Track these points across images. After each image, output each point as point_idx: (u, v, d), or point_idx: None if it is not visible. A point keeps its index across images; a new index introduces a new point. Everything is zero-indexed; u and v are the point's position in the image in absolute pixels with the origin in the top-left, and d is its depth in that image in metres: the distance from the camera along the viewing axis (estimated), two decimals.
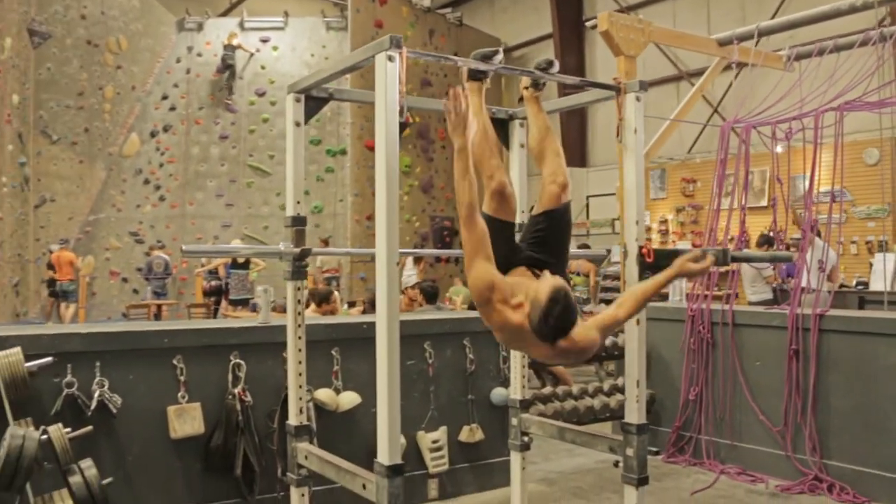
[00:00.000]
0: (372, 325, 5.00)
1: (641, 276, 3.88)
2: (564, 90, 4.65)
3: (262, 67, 17.34)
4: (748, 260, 5.18)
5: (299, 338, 4.03)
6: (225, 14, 18.96)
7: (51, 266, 14.82)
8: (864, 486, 5.32)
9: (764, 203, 12.08)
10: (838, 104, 5.79)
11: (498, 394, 5.54)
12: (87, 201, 16.32)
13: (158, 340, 4.51)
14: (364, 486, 3.31)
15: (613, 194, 16.75)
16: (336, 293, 9.47)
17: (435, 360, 5.33)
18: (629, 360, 3.90)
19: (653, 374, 6.63)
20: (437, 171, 18.22)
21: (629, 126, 3.90)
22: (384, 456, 3.13)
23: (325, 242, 15.19)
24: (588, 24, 7.32)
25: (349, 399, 4.88)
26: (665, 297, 8.94)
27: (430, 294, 8.22)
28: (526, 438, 4.65)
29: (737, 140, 6.46)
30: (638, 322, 3.85)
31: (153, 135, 16.73)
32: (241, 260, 13.36)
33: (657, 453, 6.49)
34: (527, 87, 3.89)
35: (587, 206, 17.65)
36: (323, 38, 17.61)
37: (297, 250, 3.96)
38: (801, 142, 6.38)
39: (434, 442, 5.27)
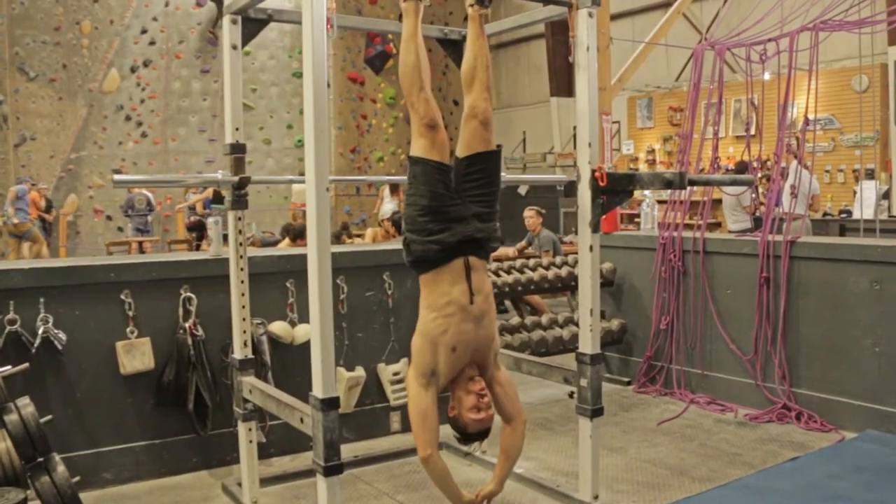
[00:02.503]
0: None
1: (594, 201, 3.74)
2: None
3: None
4: (705, 183, 5.04)
5: (241, 269, 3.92)
6: None
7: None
8: (832, 415, 5.26)
9: (753, 131, 11.87)
10: (814, 24, 5.56)
11: None
12: (68, 139, 16.05)
13: (105, 275, 4.40)
14: (301, 420, 3.22)
15: None
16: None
17: (395, 290, 5.22)
18: (583, 287, 3.77)
19: (624, 303, 6.55)
20: None
21: (581, 44, 3.73)
22: (318, 389, 3.03)
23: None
24: None
25: (304, 332, 4.77)
26: (636, 225, 8.86)
27: (399, 225, 8.07)
28: None
29: (717, 65, 6.24)
30: (591, 249, 3.72)
31: (133, 70, 16.38)
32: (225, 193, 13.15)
33: (629, 383, 6.44)
34: (471, 5, 3.67)
35: (574, 136, 17.39)
36: None
37: (236, 178, 3.83)
38: (789, 67, 6.14)
39: (395, 374, 5.19)
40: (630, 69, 7.07)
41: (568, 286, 6.77)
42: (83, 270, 4.39)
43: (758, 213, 8.46)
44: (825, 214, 11.53)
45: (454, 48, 4.53)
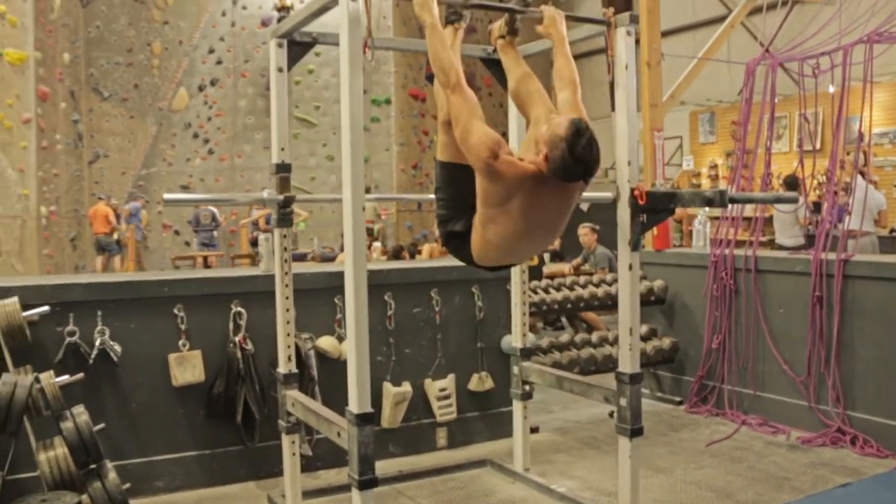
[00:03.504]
0: (375, 273, 5.00)
1: (634, 220, 3.74)
2: None
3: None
4: (747, 201, 4.96)
5: (286, 285, 4.02)
6: None
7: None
8: (889, 440, 5.12)
9: (819, 145, 11.65)
10: (867, 36, 5.47)
11: (509, 341, 5.45)
12: (138, 156, 16.56)
13: (159, 290, 4.56)
14: (339, 434, 3.29)
15: (665, 139, 16.39)
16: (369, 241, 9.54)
17: (442, 307, 5.27)
18: (622, 306, 3.77)
19: (676, 321, 6.50)
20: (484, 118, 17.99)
21: (620, 62, 3.75)
22: (354, 404, 3.10)
23: (367, 190, 15.18)
24: None
25: None
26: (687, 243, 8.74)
27: None
28: (527, 387, 4.60)
29: (770, 80, 6.17)
30: (631, 268, 3.72)
31: (201, 89, 16.84)
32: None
33: (680, 403, 6.37)
34: (501, 37, 3.71)
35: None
36: None
37: (281, 197, 3.93)
38: (843, 80, 6.03)
39: (442, 390, 5.24)
40: (682, 85, 7.03)
41: (647, 301, 6.72)
42: (138, 285, 4.55)
43: (810, 230, 8.30)
44: (892, 231, 11.22)
45: (497, 67, 4.56)
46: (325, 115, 17.31)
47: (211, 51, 16.90)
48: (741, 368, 5.99)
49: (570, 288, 6.33)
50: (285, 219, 3.99)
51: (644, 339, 6.35)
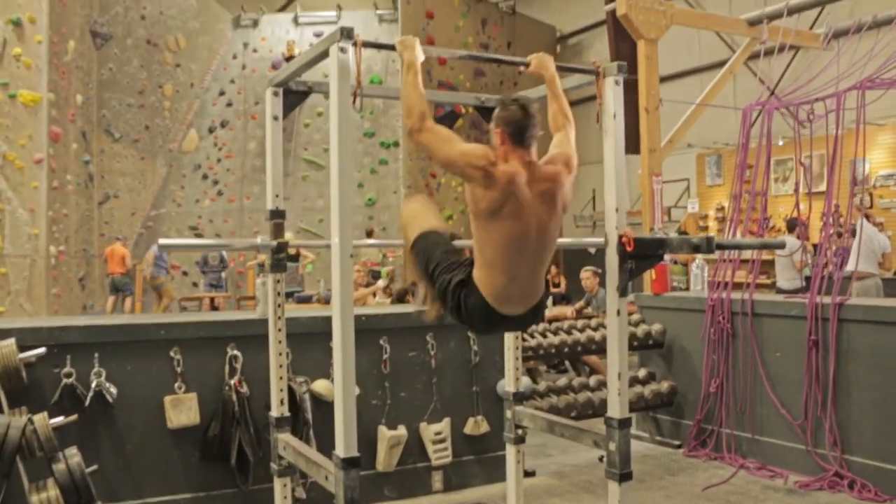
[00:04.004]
0: (371, 318, 5.04)
1: (622, 266, 3.78)
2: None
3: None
4: (734, 247, 5.00)
5: (279, 330, 4.06)
6: (280, 10, 19.21)
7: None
8: (887, 484, 5.10)
9: (823, 188, 11.68)
10: (859, 82, 5.54)
11: (503, 385, 5.45)
12: (148, 197, 16.75)
13: (156, 332, 4.61)
14: (326, 478, 3.31)
15: (670, 182, 16.46)
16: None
17: (438, 351, 5.31)
18: (610, 351, 3.79)
19: (675, 364, 6.50)
20: None
21: (608, 111, 3.81)
22: (340, 448, 3.12)
23: (370, 234, 15.31)
24: (606, 7, 7.15)
25: None
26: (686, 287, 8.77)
27: None
28: (520, 431, 4.61)
29: (766, 125, 6.25)
30: (619, 313, 3.75)
31: (211, 130, 17.06)
32: (291, 251, 13.52)
33: (679, 446, 6.35)
34: None
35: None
36: (376, 30, 17.65)
37: (275, 243, 3.99)
38: (836, 126, 6.10)
39: (437, 434, 5.25)
40: (681, 130, 7.10)
41: (630, 346, 6.70)
42: (136, 328, 4.61)
43: (808, 272, 8.29)
44: None
45: (489, 113, 4.64)
46: None
47: (221, 93, 17.14)
48: (739, 412, 5.98)
49: (569, 332, 6.36)
50: (279, 264, 4.04)
51: (643, 382, 6.36)
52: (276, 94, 4.02)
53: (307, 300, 12.51)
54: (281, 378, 4.06)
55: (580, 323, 6.58)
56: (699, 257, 6.75)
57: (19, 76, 14.25)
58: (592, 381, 6.24)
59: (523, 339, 6.18)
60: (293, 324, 4.69)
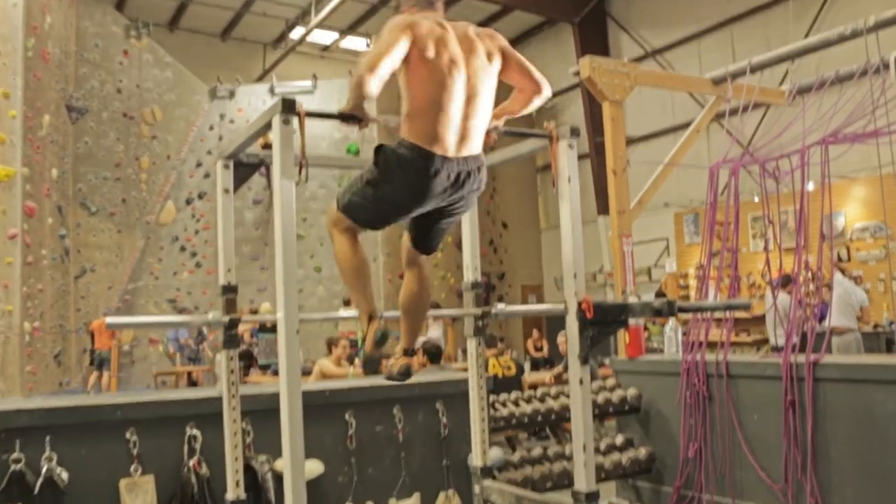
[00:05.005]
0: (335, 392, 4.91)
1: (583, 334, 3.69)
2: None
3: (293, 131, 17.53)
4: (697, 310, 4.93)
5: (234, 408, 3.94)
6: (257, 81, 19.37)
7: (91, 335, 15.08)
8: None
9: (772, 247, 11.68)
10: (822, 138, 5.54)
11: (493, 455, 5.26)
12: (125, 270, 16.61)
13: (111, 413, 4.45)
14: None
15: (649, 241, 16.49)
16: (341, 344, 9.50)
17: (405, 424, 5.15)
18: (574, 422, 3.68)
19: (652, 430, 6.36)
20: None
21: (563, 174, 3.76)
22: None
23: (347, 302, 15.16)
24: (571, 70, 7.19)
25: (310, 469, 4.71)
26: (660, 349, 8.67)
27: (433, 354, 8.06)
28: None
29: (733, 183, 6.24)
30: (581, 382, 3.65)
31: (188, 202, 17.02)
32: (269, 324, 13.37)
33: None
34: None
35: None
36: None
37: (227, 319, 3.88)
38: (802, 182, 6.09)
39: None
40: (650, 191, 7.07)
41: (605, 413, 6.58)
42: (89, 410, 4.45)
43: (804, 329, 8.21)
44: (876, 326, 11.15)
45: None
46: (311, 227, 17.41)
47: (198, 164, 17.14)
48: (719, 476, 5.83)
49: (542, 399, 6.22)
50: (232, 340, 3.93)
51: (620, 449, 6.21)
52: (226, 166, 3.96)
53: None
54: (237, 459, 3.92)
55: (554, 390, 6.45)
56: (671, 319, 6.66)
57: None
58: (568, 449, 6.08)
59: (494, 409, 6.07)
60: (254, 400, 4.57)
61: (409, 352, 3.66)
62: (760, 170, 5.95)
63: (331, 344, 9.33)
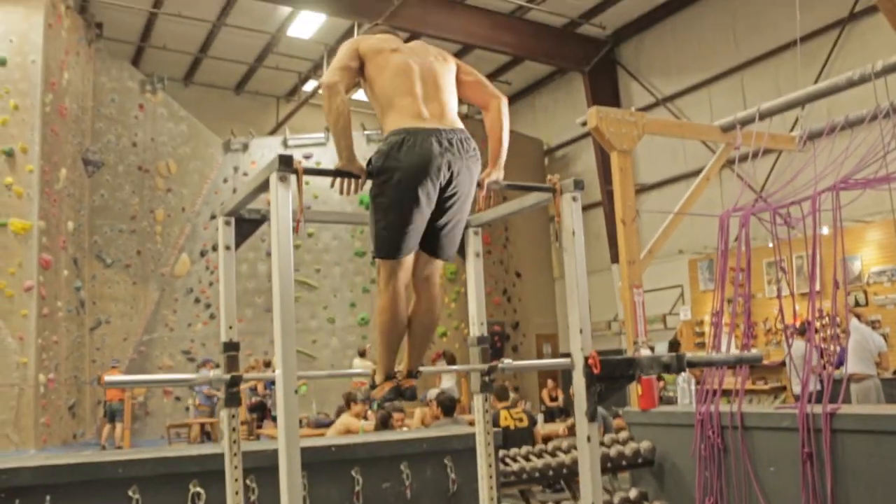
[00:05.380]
0: (341, 448, 4.84)
1: (590, 390, 3.61)
2: None
3: (306, 183, 17.56)
4: (707, 364, 4.84)
5: (235, 467, 3.86)
6: (270, 133, 19.56)
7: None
8: None
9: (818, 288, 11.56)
10: (833, 184, 5.49)
11: None
12: (140, 322, 16.67)
13: (113, 471, 4.39)
14: None
15: (664, 289, 16.39)
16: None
17: (413, 480, 5.06)
18: (583, 480, 3.58)
19: (666, 483, 6.24)
20: (484, 276, 18.12)
21: (566, 228, 3.70)
22: None
23: (363, 353, 15.11)
24: (578, 121, 7.19)
25: None
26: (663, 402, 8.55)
27: (447, 406, 7.96)
28: None
29: (743, 232, 6.18)
30: (589, 440, 3.56)
31: (203, 254, 17.10)
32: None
33: None
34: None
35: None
36: (364, 150, 17.87)
37: (228, 377, 3.83)
38: (814, 228, 6.02)
39: None
40: (660, 240, 7.02)
41: (619, 466, 6.47)
42: (91, 467, 4.40)
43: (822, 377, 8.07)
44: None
45: None
46: (325, 278, 17.44)
47: (213, 216, 16.95)
48: None
49: (553, 454, 6.12)
50: (234, 398, 3.87)
51: (633, 503, 6.08)
52: (227, 223, 3.95)
53: None
54: None
55: (566, 443, 6.35)
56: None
57: (10, 205, 14.40)
58: None
59: (505, 464, 5.97)
60: (258, 457, 4.51)
61: (411, 374, 3.57)
62: (771, 217, 5.88)
63: (350, 400, 9.22)
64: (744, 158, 6.99)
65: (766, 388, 12.56)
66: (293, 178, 3.14)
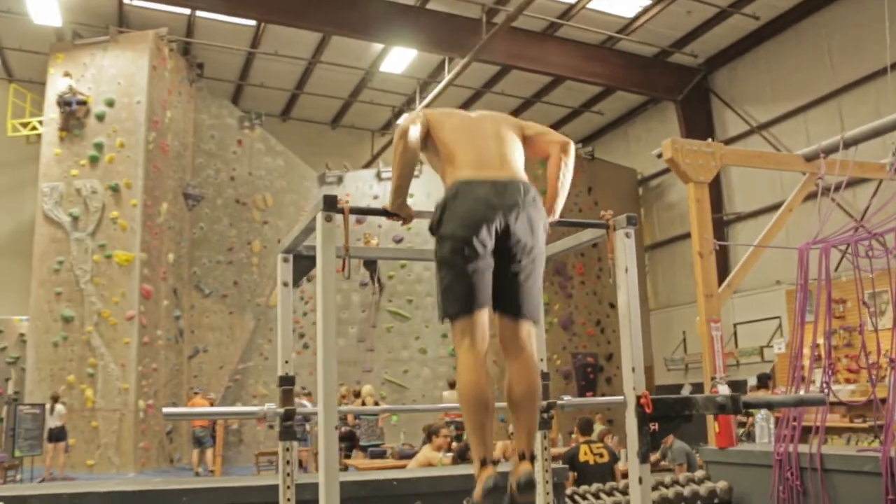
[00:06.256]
0: (403, 482, 4.86)
1: (641, 430, 3.53)
2: None
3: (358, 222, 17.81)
4: (766, 406, 4.64)
5: (289, 500, 3.92)
6: (365, 167, 19.91)
7: None
8: None
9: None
10: None
11: None
12: (236, 350, 17.12)
13: (176, 500, 4.52)
14: None
15: (761, 320, 15.88)
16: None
17: None
18: None
19: None
20: (576, 307, 17.97)
21: (620, 265, 3.65)
22: None
23: (453, 385, 15.08)
24: (653, 153, 7.07)
25: None
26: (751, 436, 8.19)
27: None
28: None
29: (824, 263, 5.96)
30: (641, 482, 3.47)
31: (297, 284, 17.44)
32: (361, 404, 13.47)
33: None
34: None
35: (735, 333, 16.74)
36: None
37: (282, 411, 3.90)
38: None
39: None
40: (739, 274, 6.82)
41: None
42: (156, 495, 4.55)
43: None
44: None
45: None
46: (417, 308, 17.58)
47: None
48: None
49: (624, 492, 5.98)
50: (288, 432, 3.94)
51: None
52: (286, 260, 4.03)
53: (382, 455, 12.29)
54: None
55: (667, 478, 6.16)
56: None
57: (115, 237, 15.08)
58: None
59: (574, 501, 5.87)
60: (312, 488, 4.55)
61: (523, 456, 3.11)
62: (853, 249, 5.66)
63: (431, 433, 9.18)
64: (837, 188, 6.74)
65: (864, 425, 11.97)
66: (339, 217, 3.19)
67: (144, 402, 14.99)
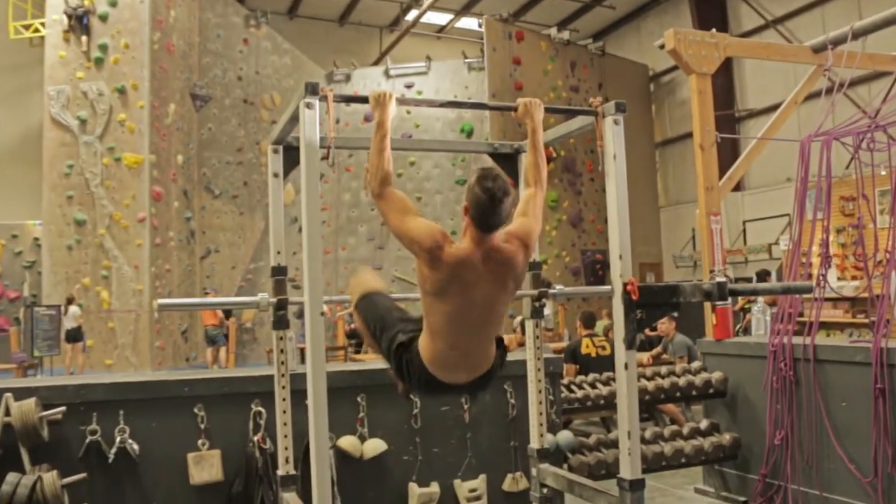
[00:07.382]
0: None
1: (628, 317, 3.57)
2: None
3: (408, 112, 17.68)
4: (751, 293, 4.65)
5: (283, 387, 4.02)
6: (373, 64, 19.65)
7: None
8: None
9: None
10: None
11: (565, 437, 5.14)
12: (247, 251, 17.28)
13: (179, 389, 4.64)
14: None
15: (771, 217, 15.82)
16: None
17: (472, 405, 5.14)
18: (620, 407, 3.58)
19: (738, 415, 6.13)
20: (585, 203, 17.92)
21: (608, 152, 3.63)
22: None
23: None
24: (656, 44, 6.92)
25: (373, 447, 4.80)
26: (747, 331, 8.26)
27: None
28: (546, 490, 4.41)
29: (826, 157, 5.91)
30: (627, 367, 3.54)
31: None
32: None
33: (746, 503, 5.95)
34: None
35: (744, 231, 16.72)
36: (465, 78, 17.82)
37: (275, 300, 3.97)
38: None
39: (472, 491, 5.07)
40: (741, 167, 6.76)
41: (688, 396, 6.38)
42: (159, 385, 4.66)
43: None
44: None
45: (505, 160, 4.49)
46: (426, 206, 17.60)
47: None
48: (806, 466, 5.55)
49: (651, 378, 6.07)
50: (282, 321, 4.01)
51: (704, 434, 6.01)
52: (275, 151, 4.03)
53: None
54: (286, 436, 4.01)
55: (649, 371, 6.25)
56: (759, 300, 6.37)
57: (123, 140, 15.05)
58: (648, 433, 5.92)
59: (570, 391, 5.98)
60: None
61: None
62: (854, 143, 5.59)
63: None
64: (845, 82, 6.59)
65: (866, 321, 12.04)
66: (322, 104, 3.17)
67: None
